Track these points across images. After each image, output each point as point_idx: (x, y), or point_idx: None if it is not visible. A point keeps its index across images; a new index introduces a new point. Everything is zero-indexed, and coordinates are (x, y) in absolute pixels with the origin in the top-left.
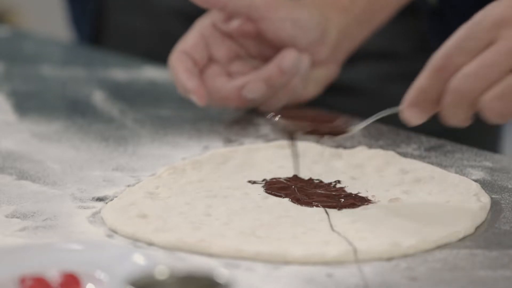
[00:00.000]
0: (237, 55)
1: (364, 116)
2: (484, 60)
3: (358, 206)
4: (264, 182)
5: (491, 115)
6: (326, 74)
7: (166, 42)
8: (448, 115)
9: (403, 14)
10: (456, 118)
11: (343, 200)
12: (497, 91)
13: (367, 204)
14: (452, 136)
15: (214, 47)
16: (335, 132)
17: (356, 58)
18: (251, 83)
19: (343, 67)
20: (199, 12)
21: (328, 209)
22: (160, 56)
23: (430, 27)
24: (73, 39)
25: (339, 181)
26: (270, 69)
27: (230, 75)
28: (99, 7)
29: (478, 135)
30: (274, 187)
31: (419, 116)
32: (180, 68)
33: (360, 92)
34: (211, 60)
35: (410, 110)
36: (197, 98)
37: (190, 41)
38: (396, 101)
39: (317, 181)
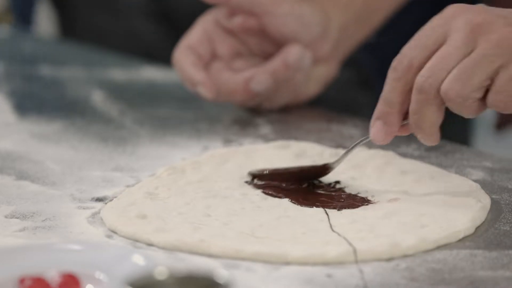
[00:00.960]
0: (239, 52)
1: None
2: (443, 53)
3: (358, 206)
4: (262, 184)
5: (451, 96)
6: (326, 72)
7: (131, 40)
8: (417, 121)
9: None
10: (426, 121)
11: (343, 200)
12: (454, 72)
13: (367, 205)
14: None
15: (217, 43)
16: (318, 174)
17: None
18: (258, 75)
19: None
20: (165, 10)
21: (327, 210)
22: (126, 55)
23: (370, 61)
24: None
25: (338, 182)
26: (276, 63)
27: (233, 71)
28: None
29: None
30: (272, 188)
31: (385, 131)
32: (186, 62)
33: (324, 99)
34: (214, 56)
35: (376, 125)
36: (206, 91)
37: (194, 37)
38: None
39: (316, 182)
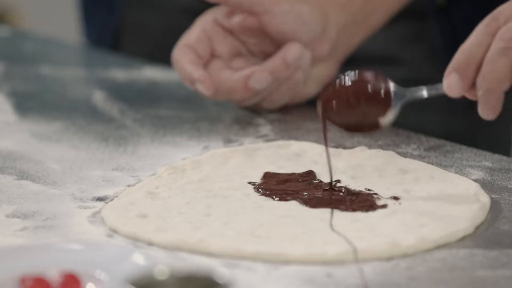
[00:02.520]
0: (239, 52)
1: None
2: None
3: (369, 208)
4: (262, 187)
5: None
6: (325, 72)
7: (175, 38)
8: (487, 73)
9: (409, 18)
10: (496, 72)
11: (353, 198)
12: None
13: (378, 207)
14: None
15: (216, 43)
16: (368, 128)
17: (360, 63)
18: (257, 73)
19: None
20: (205, 9)
21: (329, 209)
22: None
23: (437, 28)
24: (86, 42)
25: (339, 181)
26: (275, 61)
27: (232, 70)
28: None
29: (488, 138)
30: (274, 190)
31: (459, 84)
32: (184, 60)
33: None
34: (213, 55)
35: (451, 76)
36: (204, 88)
37: (193, 36)
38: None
39: (317, 181)
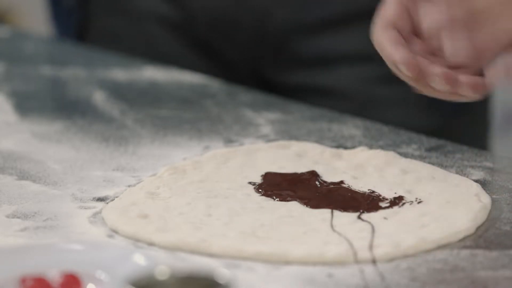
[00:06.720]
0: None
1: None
2: None
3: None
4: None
5: None
6: None
7: (148, 47)
8: None
9: None
10: None
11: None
12: None
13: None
14: (445, 133)
15: (417, 16)
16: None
17: (341, 61)
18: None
19: (327, 70)
20: (181, 19)
21: (330, 210)
22: (127, 55)
23: None
24: (54, 35)
25: (342, 181)
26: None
27: (433, 53)
28: (82, 7)
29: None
30: (276, 192)
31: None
32: (385, 40)
33: (345, 95)
34: (414, 31)
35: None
36: (406, 69)
37: (391, 11)
38: (382, 104)
39: (319, 182)
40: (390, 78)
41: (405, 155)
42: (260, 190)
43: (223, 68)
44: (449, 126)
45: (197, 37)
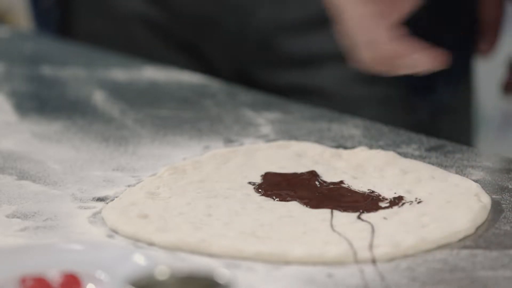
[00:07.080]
0: None
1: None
2: None
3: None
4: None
5: None
6: None
7: (131, 47)
8: None
9: None
10: None
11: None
12: None
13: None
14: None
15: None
16: None
17: (324, 61)
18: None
19: (308, 70)
20: (164, 20)
21: (330, 210)
22: (127, 55)
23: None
24: (37, 31)
25: (342, 182)
26: None
27: None
28: (61, 6)
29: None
30: (276, 192)
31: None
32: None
33: (326, 95)
34: None
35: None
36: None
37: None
38: (365, 103)
39: (319, 182)
40: (373, 78)
41: (405, 155)
42: (260, 190)
43: (207, 68)
44: (433, 124)
45: (180, 37)
